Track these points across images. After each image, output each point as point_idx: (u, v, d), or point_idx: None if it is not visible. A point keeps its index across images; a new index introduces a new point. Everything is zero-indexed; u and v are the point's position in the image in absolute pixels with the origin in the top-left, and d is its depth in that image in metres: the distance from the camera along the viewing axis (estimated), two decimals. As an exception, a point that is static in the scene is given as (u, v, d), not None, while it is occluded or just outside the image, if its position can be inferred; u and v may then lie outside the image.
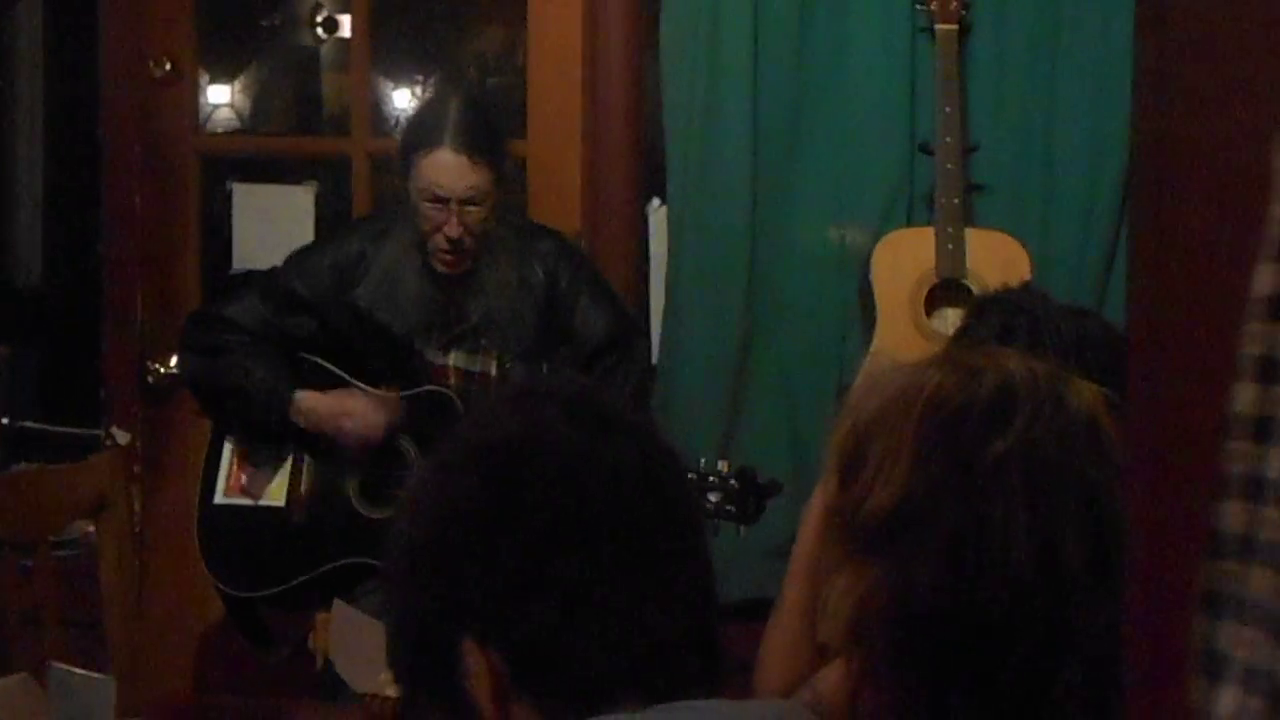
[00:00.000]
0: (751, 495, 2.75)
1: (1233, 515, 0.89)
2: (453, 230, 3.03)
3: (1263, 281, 0.88)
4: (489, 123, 3.11)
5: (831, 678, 1.94)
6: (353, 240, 3.19)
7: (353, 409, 3.10)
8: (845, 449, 1.45)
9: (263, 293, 3.18)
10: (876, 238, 3.43)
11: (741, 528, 2.82)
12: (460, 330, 3.13)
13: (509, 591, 1.20)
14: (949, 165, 3.36)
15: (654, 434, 1.31)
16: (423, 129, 3.06)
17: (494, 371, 3.10)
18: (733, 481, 2.74)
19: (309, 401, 3.11)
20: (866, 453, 1.42)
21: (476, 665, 1.20)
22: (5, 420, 3.80)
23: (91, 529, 3.19)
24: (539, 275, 3.13)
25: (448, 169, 3.01)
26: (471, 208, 3.04)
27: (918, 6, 3.44)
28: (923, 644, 1.31)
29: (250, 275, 3.34)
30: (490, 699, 1.20)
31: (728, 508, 2.74)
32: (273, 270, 3.25)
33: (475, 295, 3.11)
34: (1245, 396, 0.89)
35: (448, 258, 3.07)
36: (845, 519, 1.43)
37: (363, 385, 3.16)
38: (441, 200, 3.03)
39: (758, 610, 2.09)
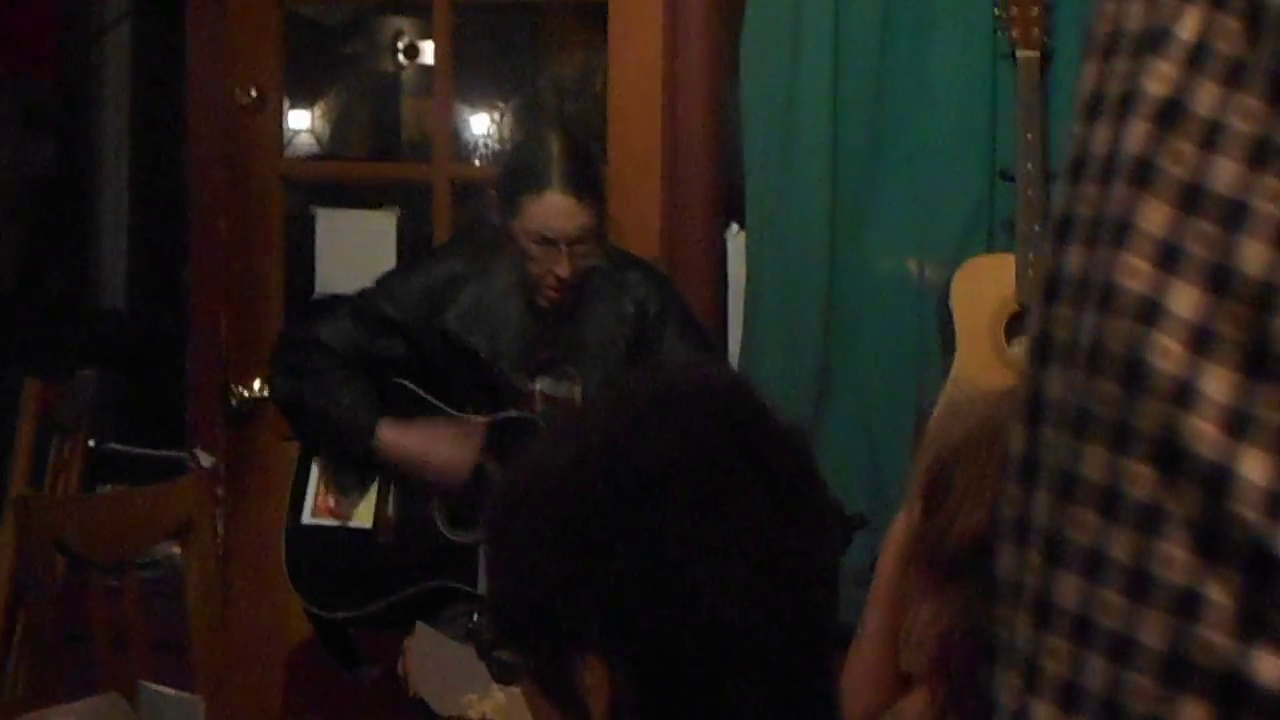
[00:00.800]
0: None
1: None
2: (563, 271, 3.04)
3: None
4: (592, 161, 3.13)
5: (913, 707, 1.95)
6: (443, 263, 3.21)
7: (435, 449, 3.10)
8: (930, 477, 1.45)
9: (353, 314, 3.21)
10: (956, 264, 3.43)
11: None
12: (549, 356, 3.14)
13: (645, 604, 1.17)
14: (1030, 192, 3.34)
15: (806, 442, 1.27)
16: (528, 171, 3.06)
17: (579, 399, 3.11)
18: None
19: (392, 435, 3.12)
20: (951, 481, 1.42)
21: (597, 681, 1.18)
22: (91, 442, 3.85)
23: (176, 550, 3.24)
24: (629, 306, 3.14)
25: (557, 211, 3.02)
26: (580, 246, 3.05)
27: (999, 33, 3.43)
28: None
29: (339, 297, 3.37)
30: (605, 712, 1.18)
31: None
32: (364, 291, 3.27)
33: (566, 323, 3.12)
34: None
35: (554, 295, 3.08)
36: (930, 547, 1.43)
37: (449, 409, 3.18)
38: (551, 242, 3.04)
39: (837, 637, 2.07)
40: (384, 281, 3.29)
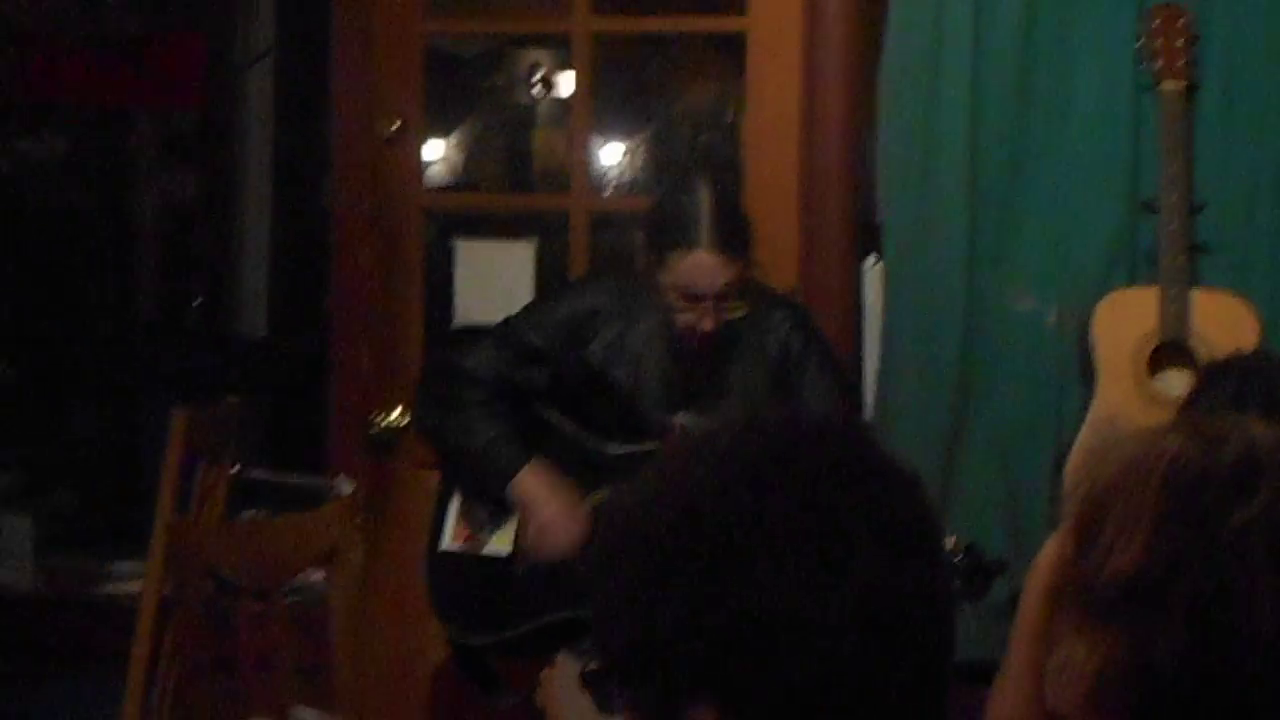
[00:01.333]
0: (979, 574, 2.72)
1: None
2: (708, 326, 3.05)
3: None
4: (740, 216, 3.10)
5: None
6: (588, 295, 3.23)
7: (549, 524, 3.13)
8: (1082, 515, 1.44)
9: (498, 343, 3.24)
10: (1097, 298, 3.40)
11: (966, 605, 2.78)
12: (691, 392, 3.15)
13: (756, 652, 1.16)
14: (1173, 224, 3.31)
15: (919, 487, 1.25)
16: (676, 228, 3.05)
17: None
18: (960, 558, 2.71)
19: (526, 486, 3.14)
20: (1104, 519, 1.41)
21: None
22: (235, 469, 3.91)
23: (319, 577, 3.29)
24: (773, 346, 3.13)
25: (704, 270, 3.02)
26: (726, 301, 3.06)
27: (1141, 64, 3.40)
28: (1165, 713, 1.30)
29: (482, 329, 3.39)
30: None
31: (953, 583, 2.71)
32: (509, 320, 3.30)
33: (710, 362, 3.12)
34: None
35: (697, 345, 3.09)
36: (1082, 586, 1.42)
37: (591, 439, 3.20)
38: (697, 297, 3.05)
39: (976, 672, 2.07)
40: (529, 311, 3.32)
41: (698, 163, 3.23)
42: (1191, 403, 2.17)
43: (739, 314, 3.07)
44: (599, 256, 3.96)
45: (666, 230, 3.08)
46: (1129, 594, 1.32)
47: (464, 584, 3.25)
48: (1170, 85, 3.35)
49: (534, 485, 3.14)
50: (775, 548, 1.16)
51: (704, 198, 3.06)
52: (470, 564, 3.24)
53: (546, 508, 3.13)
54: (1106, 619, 1.35)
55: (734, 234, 3.04)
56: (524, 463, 3.15)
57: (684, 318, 3.06)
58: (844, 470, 1.20)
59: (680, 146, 5.54)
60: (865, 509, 1.19)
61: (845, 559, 1.16)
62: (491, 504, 3.24)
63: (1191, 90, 3.39)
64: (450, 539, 3.27)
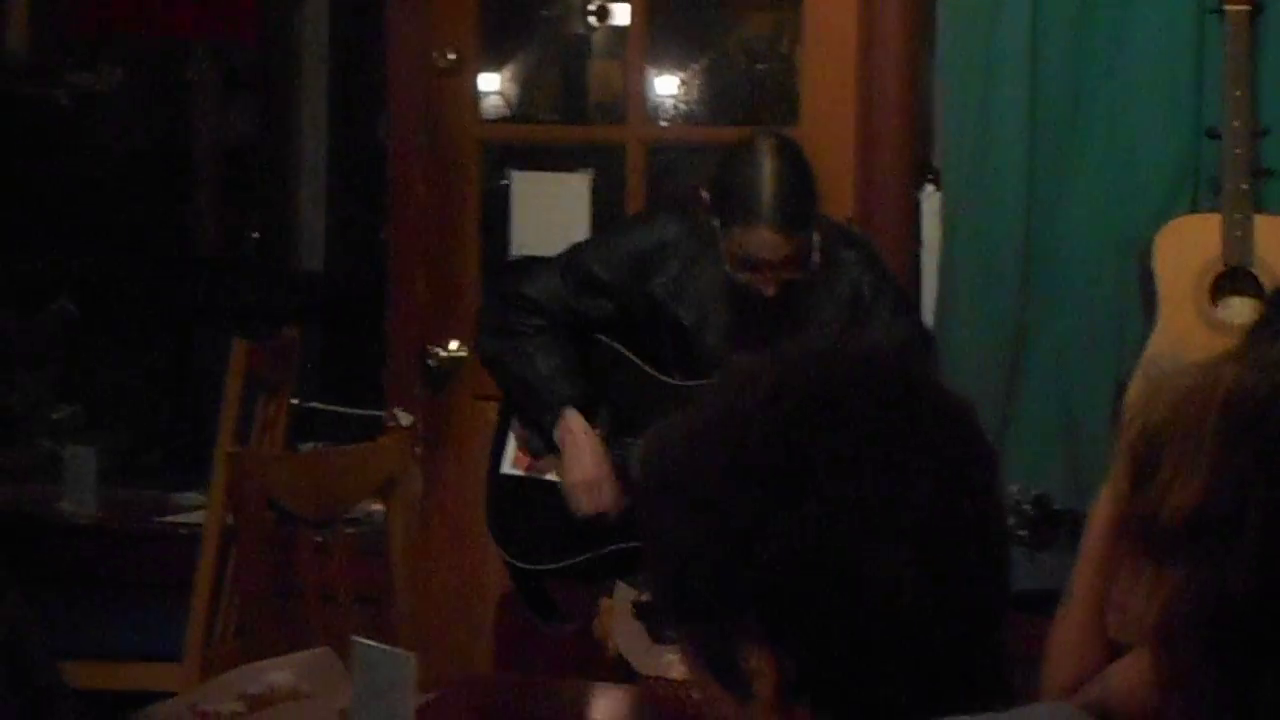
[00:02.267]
0: (1047, 523, 2.70)
1: None
2: (769, 290, 3.03)
3: None
4: (806, 190, 3.04)
5: (1124, 674, 1.92)
6: (655, 229, 3.21)
7: (583, 479, 3.12)
8: (1136, 451, 1.42)
9: (562, 272, 3.23)
10: (1159, 225, 3.36)
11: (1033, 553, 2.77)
12: (756, 335, 3.12)
13: (805, 589, 1.13)
14: (1237, 150, 3.27)
15: (976, 423, 1.22)
16: (740, 202, 3.01)
17: None
18: (1028, 507, 2.69)
19: (570, 429, 3.13)
20: (1161, 453, 1.39)
21: (762, 666, 1.15)
22: (294, 401, 3.94)
23: (377, 507, 3.31)
24: (844, 288, 3.11)
25: (766, 245, 3.00)
26: (787, 269, 3.03)
27: (1205, -14, 3.36)
28: (1238, 646, 1.29)
29: (532, 259, 3.39)
30: (772, 703, 1.15)
31: (1020, 532, 2.68)
32: (574, 249, 3.29)
33: (776, 300, 3.10)
34: None
35: (757, 302, 3.07)
36: (1142, 522, 1.41)
37: (653, 371, 3.20)
38: (758, 265, 3.04)
39: (1036, 602, 2.06)
40: (595, 242, 3.31)
41: (763, 131, 3.14)
42: (1256, 330, 2.15)
43: (800, 277, 3.04)
44: (654, 188, 3.94)
45: (730, 202, 3.04)
46: (1194, 528, 1.31)
47: (524, 509, 3.26)
48: (1234, 7, 3.30)
49: (572, 437, 3.13)
50: (827, 482, 1.13)
51: (768, 172, 3.00)
52: (530, 489, 3.25)
53: (580, 467, 3.12)
54: (1171, 554, 1.33)
55: (798, 209, 3.00)
56: (574, 404, 3.15)
57: (743, 279, 3.04)
58: (899, 404, 1.18)
59: (736, 77, 5.51)
60: (921, 444, 1.16)
61: (899, 495, 1.14)
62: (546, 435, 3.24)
63: (1256, 12, 3.33)
64: (511, 463, 3.28)
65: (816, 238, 3.03)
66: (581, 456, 3.12)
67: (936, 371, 1.28)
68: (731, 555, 1.14)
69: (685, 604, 1.18)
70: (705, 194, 3.10)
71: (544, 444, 3.24)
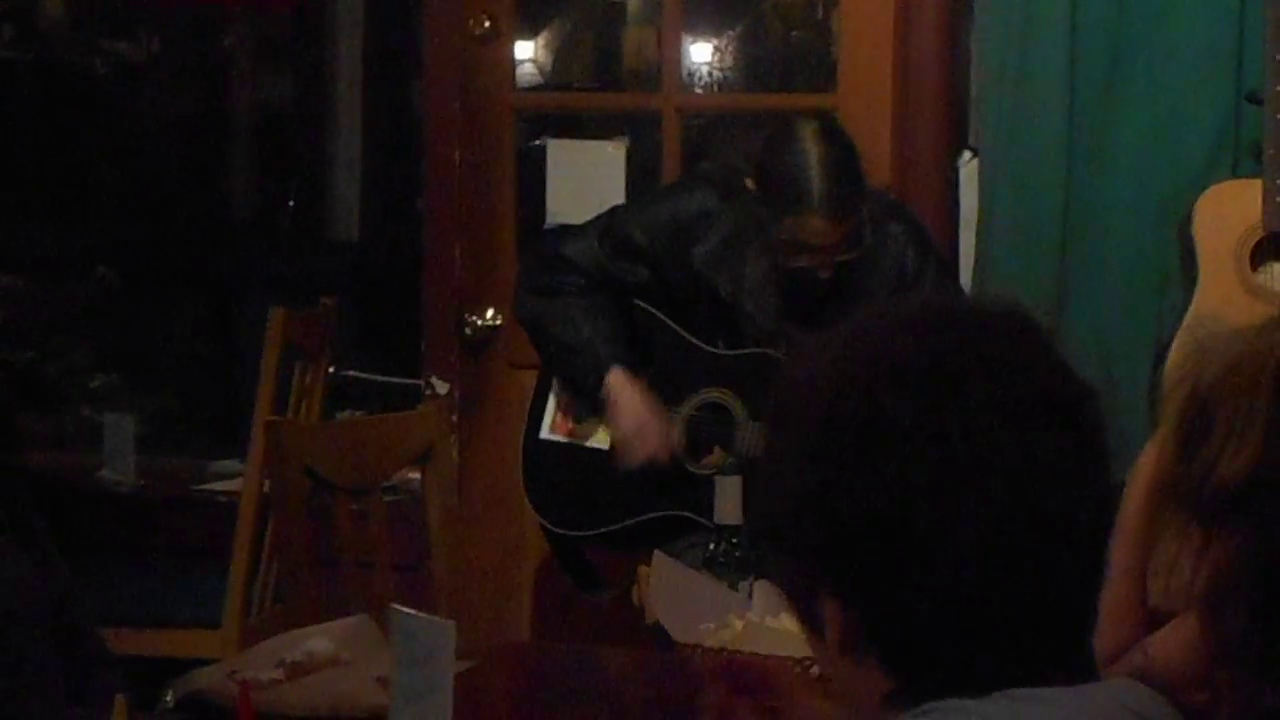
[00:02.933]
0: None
1: None
2: (825, 273, 3.03)
3: None
4: (853, 173, 3.03)
5: (1165, 643, 1.92)
6: (695, 199, 3.20)
7: (635, 427, 3.13)
8: (1185, 416, 1.42)
9: (601, 235, 3.23)
10: (1199, 190, 3.33)
11: None
12: (802, 303, 3.12)
13: (874, 548, 1.14)
14: (1279, 115, 3.24)
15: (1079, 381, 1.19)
16: (789, 194, 3.00)
17: None
18: None
19: (617, 384, 3.14)
20: (1211, 420, 1.39)
21: (832, 616, 1.17)
22: (330, 369, 3.95)
23: (414, 476, 3.32)
24: (889, 261, 3.10)
25: (817, 232, 3.00)
26: (839, 251, 3.03)
27: (1248, -50, 3.33)
28: None
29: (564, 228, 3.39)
30: (840, 648, 1.17)
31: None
32: (614, 212, 3.29)
33: (821, 287, 3.09)
34: None
35: (807, 283, 3.08)
36: (1190, 488, 1.40)
37: (692, 337, 3.20)
38: (812, 253, 3.03)
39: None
40: (635, 207, 3.31)
41: (803, 116, 3.13)
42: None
43: (856, 255, 3.04)
44: (690, 155, 3.93)
45: (778, 191, 3.03)
46: (1247, 494, 1.30)
47: (562, 475, 3.27)
48: (1277, -29, 3.26)
49: (620, 392, 3.14)
50: (903, 449, 1.13)
51: (815, 160, 2.99)
52: (570, 454, 3.26)
53: (631, 418, 3.13)
54: (1221, 521, 1.33)
55: (847, 194, 2.99)
56: (618, 363, 3.15)
57: (794, 263, 3.04)
58: (1000, 378, 1.15)
59: (773, 44, 5.49)
60: (1015, 423, 1.14)
61: (976, 474, 1.13)
62: (589, 398, 3.24)
63: (1299, -24, 3.30)
64: (549, 428, 3.28)
65: (865, 213, 3.03)
66: (631, 406, 3.13)
67: (1052, 341, 1.24)
68: (817, 504, 1.15)
69: (777, 538, 1.20)
70: (751, 183, 3.09)
71: (589, 406, 3.24)
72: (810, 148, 3.00)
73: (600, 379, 3.15)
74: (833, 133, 3.05)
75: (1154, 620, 1.89)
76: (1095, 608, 1.19)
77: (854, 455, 1.15)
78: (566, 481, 3.26)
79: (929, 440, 1.14)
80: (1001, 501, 1.13)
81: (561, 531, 3.28)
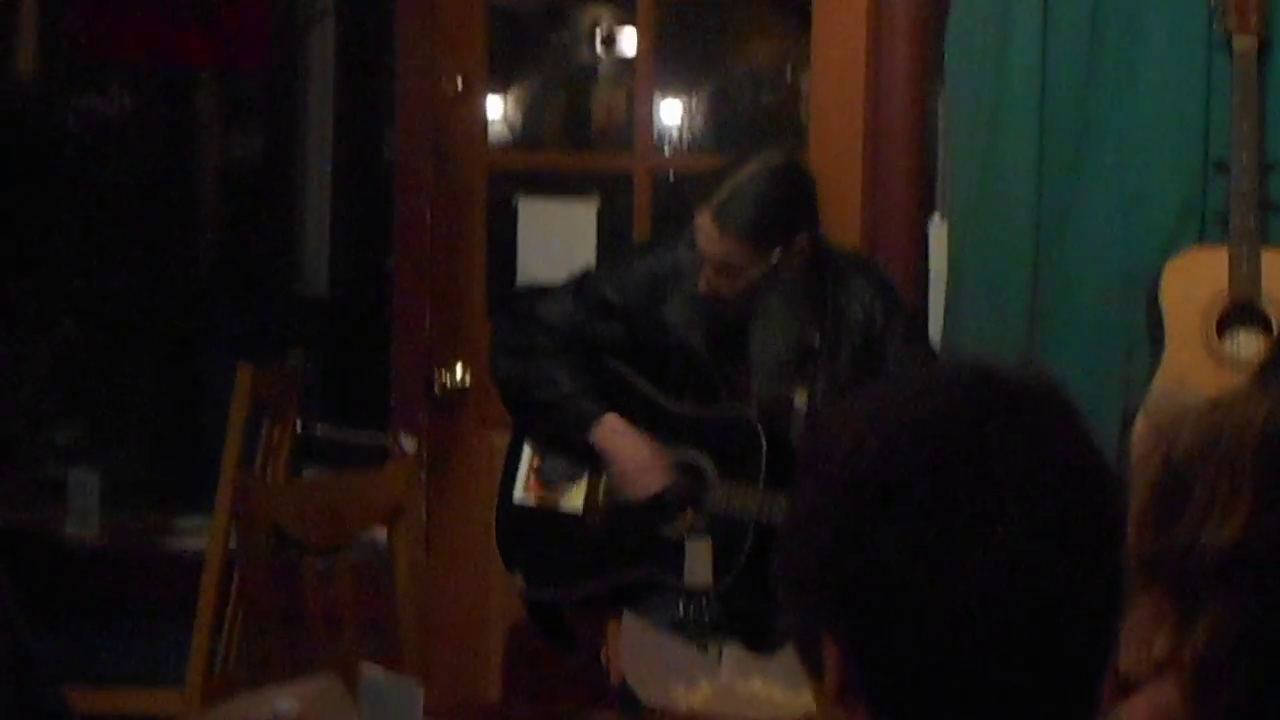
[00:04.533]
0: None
1: None
2: (701, 286, 3.06)
3: None
4: (768, 205, 3.03)
5: (1140, 711, 1.91)
6: (667, 254, 3.21)
7: (635, 465, 3.14)
8: (1159, 487, 1.41)
9: (575, 294, 3.24)
10: (1166, 257, 3.36)
11: None
12: (767, 358, 3.13)
13: (876, 610, 1.15)
14: (1245, 183, 3.27)
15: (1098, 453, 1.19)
16: (709, 184, 3.06)
17: (798, 402, 3.10)
18: None
19: (610, 429, 3.16)
20: (1189, 490, 1.38)
21: (832, 663, 1.18)
22: (298, 425, 3.94)
23: (382, 534, 3.30)
24: (857, 312, 3.11)
25: (704, 233, 3.03)
26: (720, 276, 3.04)
27: (1213, 20, 3.36)
28: None
29: (534, 287, 3.40)
30: (836, 695, 1.18)
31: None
32: (587, 273, 3.30)
33: (785, 326, 3.11)
34: None
35: (712, 306, 3.10)
36: (1168, 559, 1.39)
37: (662, 397, 3.20)
38: (701, 255, 3.06)
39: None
40: (608, 266, 3.32)
41: (773, 147, 3.18)
42: (1266, 367, 2.14)
43: (730, 295, 3.05)
44: (661, 215, 3.94)
45: (703, 184, 3.08)
46: (1235, 565, 1.30)
47: (536, 537, 3.26)
48: (1242, 42, 3.30)
49: (616, 433, 3.15)
50: (915, 505, 1.14)
51: (744, 174, 3.03)
52: (543, 518, 3.25)
53: (632, 453, 3.14)
54: (1207, 591, 1.32)
55: (747, 216, 2.99)
56: (604, 412, 3.16)
57: (695, 263, 3.06)
58: (1021, 447, 1.16)
59: (743, 105, 5.52)
60: (1029, 492, 1.14)
61: (986, 536, 1.13)
62: (565, 458, 3.24)
63: (1264, 47, 3.34)
64: (522, 490, 3.28)
65: (766, 264, 3.02)
66: (630, 444, 3.15)
67: (1081, 419, 1.24)
68: (830, 552, 1.17)
69: (791, 578, 1.21)
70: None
71: (562, 468, 3.24)
72: (750, 168, 3.04)
73: (587, 430, 3.15)
74: (781, 169, 3.06)
75: (1124, 685, 1.89)
76: (1098, 686, 1.19)
77: (869, 507, 1.16)
78: (541, 544, 3.26)
79: (942, 498, 1.14)
80: (1008, 567, 1.14)
81: (533, 592, 3.27)
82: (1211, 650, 1.24)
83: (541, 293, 3.31)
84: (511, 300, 3.62)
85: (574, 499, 3.23)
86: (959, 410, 1.18)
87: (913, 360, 3.08)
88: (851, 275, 3.14)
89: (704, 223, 3.02)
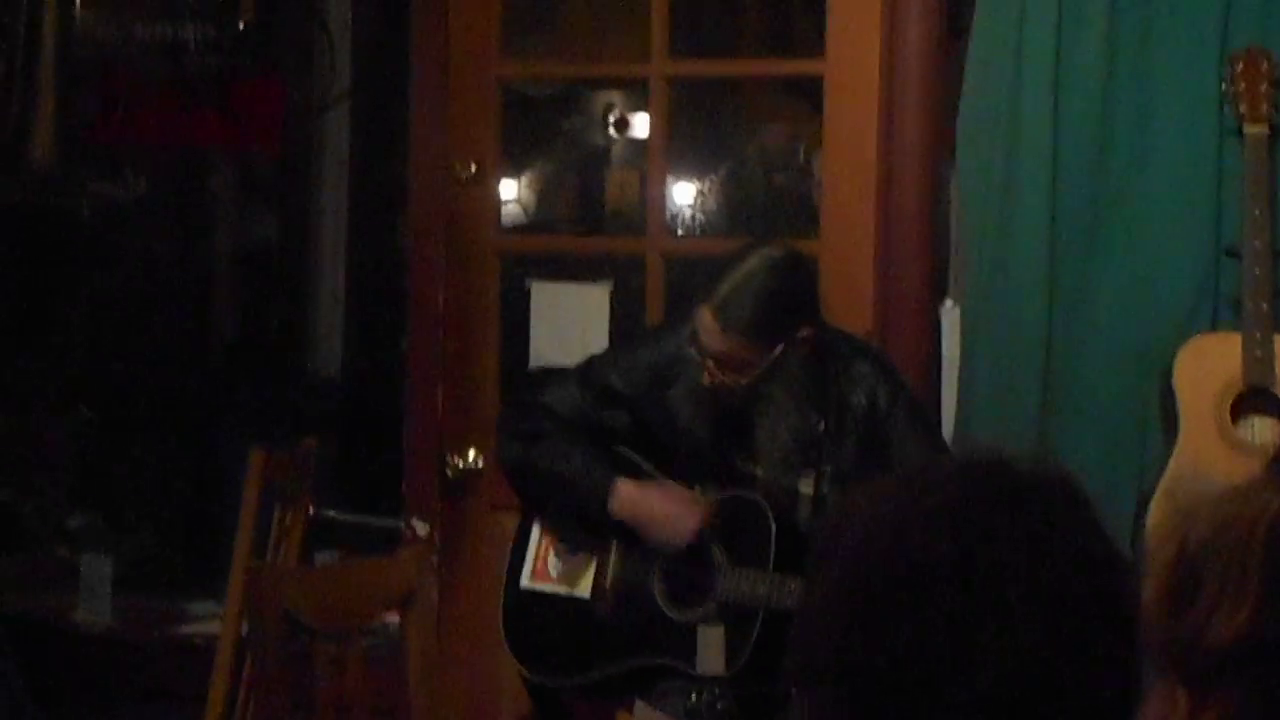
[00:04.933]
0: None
1: None
2: (704, 380, 3.06)
3: None
4: (767, 301, 3.03)
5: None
6: (672, 339, 3.21)
7: (667, 511, 3.12)
8: (1172, 577, 1.41)
9: (580, 382, 3.23)
10: (1179, 342, 3.36)
11: None
12: (773, 446, 3.12)
13: (886, 705, 1.15)
14: (1257, 269, 3.27)
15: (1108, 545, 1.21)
16: (711, 278, 3.05)
17: (804, 489, 3.10)
18: None
19: (628, 492, 3.15)
20: (1200, 580, 1.38)
21: None
22: (310, 510, 3.93)
23: (393, 619, 3.28)
24: (860, 399, 3.11)
25: (704, 328, 3.02)
26: (722, 370, 3.03)
27: (1225, 108, 3.38)
28: None
29: (563, 370, 3.40)
30: None
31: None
32: (591, 361, 3.30)
33: (790, 415, 3.10)
34: None
35: (715, 397, 3.09)
36: (1179, 649, 1.39)
37: (671, 481, 3.20)
38: (700, 350, 3.06)
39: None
40: (614, 353, 3.32)
41: (772, 243, 3.16)
42: (1280, 455, 2.14)
43: (736, 388, 3.04)
44: (673, 298, 3.95)
45: (705, 278, 3.08)
46: (1242, 655, 1.29)
47: (542, 624, 3.24)
48: (1253, 129, 3.31)
49: (634, 491, 3.14)
50: (927, 590, 1.15)
51: (744, 270, 3.02)
52: (550, 604, 3.24)
53: (659, 502, 3.12)
54: (1215, 681, 1.32)
55: (747, 313, 2.99)
56: (619, 476, 3.15)
57: (695, 356, 3.06)
58: (1034, 537, 1.16)
59: (755, 189, 5.54)
60: (1041, 581, 1.15)
61: (997, 624, 1.13)
62: (574, 543, 3.22)
63: (1275, 134, 3.35)
64: (530, 577, 3.26)
65: (770, 357, 3.01)
66: (653, 496, 3.13)
67: (1092, 510, 1.24)
68: (842, 646, 1.17)
69: (803, 669, 1.21)
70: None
71: (569, 554, 3.22)
72: (751, 260, 3.04)
73: (605, 499, 3.13)
74: (781, 263, 3.05)
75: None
76: None
77: (880, 597, 1.16)
78: (547, 631, 3.24)
79: (953, 583, 1.15)
80: (1022, 658, 1.14)
81: (542, 681, 3.25)
82: None
83: (546, 381, 3.31)
84: (517, 390, 3.62)
85: (582, 585, 3.22)
86: (969, 503, 1.19)
87: (916, 444, 3.07)
88: (854, 361, 3.14)
89: (705, 320, 3.01)
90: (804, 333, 3.05)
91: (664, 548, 3.12)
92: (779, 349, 3.03)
